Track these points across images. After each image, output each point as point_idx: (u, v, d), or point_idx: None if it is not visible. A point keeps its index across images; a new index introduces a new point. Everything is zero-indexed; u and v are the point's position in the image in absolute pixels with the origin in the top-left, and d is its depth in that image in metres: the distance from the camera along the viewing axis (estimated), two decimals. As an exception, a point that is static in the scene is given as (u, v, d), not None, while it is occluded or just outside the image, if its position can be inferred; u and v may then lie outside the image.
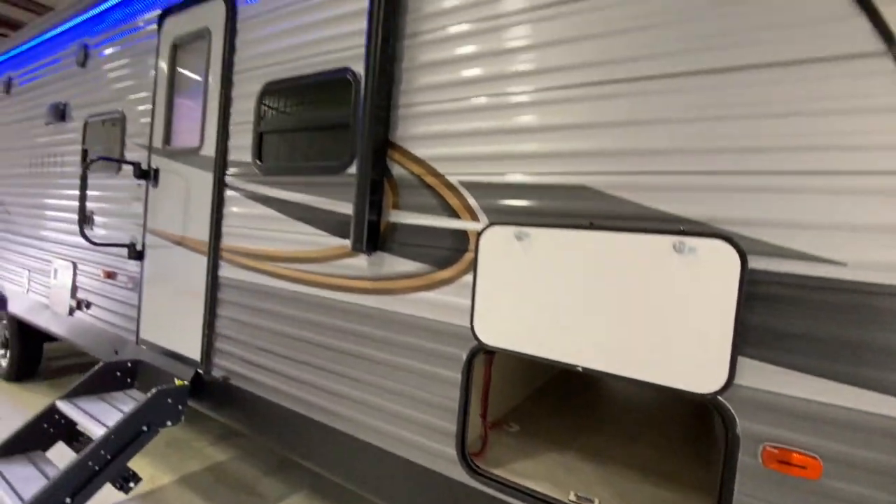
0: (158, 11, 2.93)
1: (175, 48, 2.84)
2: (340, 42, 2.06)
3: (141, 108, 3.10)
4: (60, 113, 3.80)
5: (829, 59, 1.16)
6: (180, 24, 2.81)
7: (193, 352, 2.62)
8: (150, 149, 2.96)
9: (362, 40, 1.97)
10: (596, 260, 1.40)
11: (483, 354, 1.75)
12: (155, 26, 2.97)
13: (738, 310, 1.20)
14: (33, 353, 4.63)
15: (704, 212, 1.29)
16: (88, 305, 3.46)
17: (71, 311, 3.60)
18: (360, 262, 1.97)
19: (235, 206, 2.48)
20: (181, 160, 2.75)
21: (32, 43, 4.35)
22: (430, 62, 1.82)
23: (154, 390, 2.40)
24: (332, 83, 2.10)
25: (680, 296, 1.27)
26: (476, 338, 1.62)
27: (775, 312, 1.21)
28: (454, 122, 1.75)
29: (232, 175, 2.49)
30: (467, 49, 1.73)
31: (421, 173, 1.82)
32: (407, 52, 1.88)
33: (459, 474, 1.68)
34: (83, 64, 3.64)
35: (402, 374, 1.85)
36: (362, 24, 1.98)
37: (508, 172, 1.62)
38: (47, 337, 4.69)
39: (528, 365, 2.55)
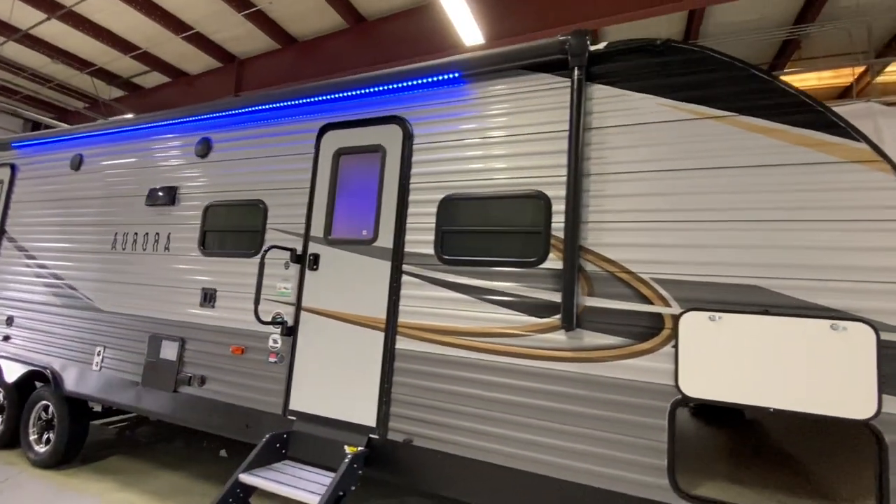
0: (321, 124, 3.50)
1: (338, 156, 3.40)
2: (534, 172, 2.77)
3: (288, 200, 3.54)
4: (169, 196, 4.08)
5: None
6: (346, 138, 3.39)
7: (366, 418, 2.95)
8: (306, 237, 3.39)
9: (551, 172, 2.71)
10: (774, 333, 2.14)
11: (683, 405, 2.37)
12: (313, 134, 3.52)
13: (879, 364, 1.98)
14: (82, 433, 4.43)
15: (849, 304, 2.10)
16: (203, 381, 3.60)
17: (175, 388, 3.69)
18: (559, 336, 2.57)
19: (414, 290, 2.98)
20: (350, 249, 3.22)
21: (116, 130, 4.62)
22: (615, 193, 2.58)
23: (348, 458, 2.70)
24: (522, 199, 2.78)
25: (838, 357, 2.04)
26: (680, 392, 2.26)
27: (897, 366, 2.00)
28: (638, 237, 2.49)
29: (411, 263, 3.01)
30: (642, 187, 2.52)
31: (613, 270, 2.51)
32: (594, 184, 2.63)
33: (673, 499, 2.24)
34: (204, 155, 4.02)
35: (606, 424, 2.41)
36: (553, 160, 2.72)
37: (691, 274, 2.36)
38: (95, 415, 4.56)
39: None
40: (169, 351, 3.80)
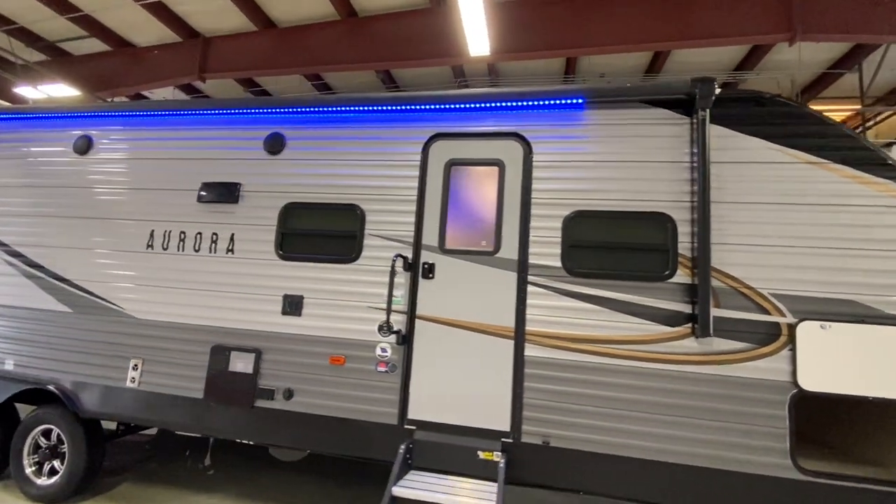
0: (430, 133, 3.50)
1: (450, 166, 3.44)
2: (657, 195, 3.11)
3: (389, 206, 3.48)
4: (231, 193, 3.73)
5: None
6: (459, 149, 3.44)
7: (499, 423, 3.06)
8: (418, 246, 3.38)
9: (675, 196, 3.08)
10: (872, 338, 2.72)
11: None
12: (420, 142, 3.50)
13: (946, 361, 2.64)
14: (99, 459, 3.86)
15: (921, 316, 2.75)
16: (290, 394, 3.40)
17: (253, 403, 3.43)
18: (690, 342, 2.94)
19: (542, 300, 3.16)
20: (468, 259, 3.29)
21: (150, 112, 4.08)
22: (732, 220, 3.02)
23: (502, 464, 2.81)
24: (646, 219, 3.11)
25: (918, 356, 2.67)
26: (798, 386, 2.76)
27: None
28: (755, 258, 2.95)
29: (536, 275, 3.18)
30: (754, 216, 2.99)
31: (735, 286, 2.95)
32: (714, 210, 3.04)
33: (794, 475, 2.72)
34: (275, 152, 3.75)
35: (734, 416, 2.83)
36: (676, 186, 3.09)
37: (801, 290, 2.88)
38: (110, 437, 4.04)
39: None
40: (242, 363, 3.50)
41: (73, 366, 3.80)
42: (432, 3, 7.75)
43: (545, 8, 7.46)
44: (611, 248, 3.15)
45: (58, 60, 9.30)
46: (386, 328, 3.27)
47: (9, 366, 3.96)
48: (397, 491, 2.70)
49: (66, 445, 3.77)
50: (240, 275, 3.64)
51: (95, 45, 9.19)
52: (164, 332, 3.69)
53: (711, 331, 2.90)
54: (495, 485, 2.75)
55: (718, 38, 7.14)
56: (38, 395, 3.89)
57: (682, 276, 3.02)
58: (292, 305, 3.50)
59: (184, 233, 3.81)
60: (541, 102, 3.33)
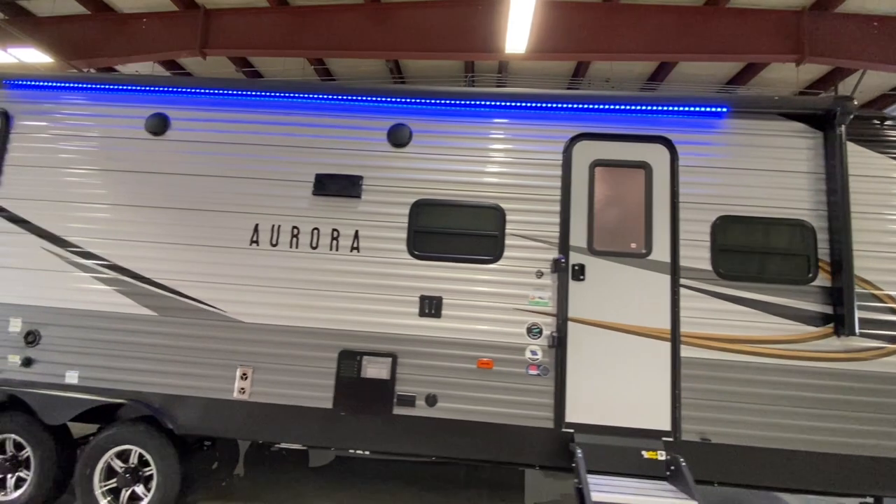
0: (572, 133, 3.45)
1: (594, 167, 3.42)
2: (796, 203, 3.30)
3: (530, 206, 3.40)
4: (353, 187, 3.46)
5: None
6: (604, 150, 3.43)
7: (659, 423, 3.12)
8: (565, 247, 3.33)
9: (812, 205, 3.29)
10: None
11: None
12: (561, 142, 3.45)
13: None
14: (191, 481, 3.45)
15: None
16: (434, 400, 3.23)
17: (391, 412, 3.22)
18: (833, 340, 3.17)
19: (694, 302, 3.25)
20: (619, 261, 3.30)
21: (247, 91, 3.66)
22: (862, 228, 3.27)
23: (683, 463, 2.87)
24: (787, 226, 3.29)
25: None
26: (931, 378, 3.08)
27: None
28: (887, 264, 3.23)
29: (687, 277, 3.27)
30: (884, 226, 3.28)
31: (870, 289, 3.22)
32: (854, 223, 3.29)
33: (930, 457, 3.04)
34: (402, 145, 3.53)
35: (874, 406, 3.10)
36: (813, 195, 3.30)
37: (924, 292, 3.20)
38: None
39: None
40: (376, 369, 3.27)
41: (162, 377, 3.35)
42: (465, -5, 7.61)
43: (578, 11, 7.60)
44: (756, 252, 3.31)
45: (19, 20, 8.01)
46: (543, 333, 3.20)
47: (72, 379, 3.40)
48: (598, 497, 2.67)
49: (152, 468, 3.32)
50: (368, 274, 3.39)
51: (67, 7, 8.03)
52: (280, 336, 3.35)
53: (857, 330, 3.14)
54: (689, 485, 2.80)
55: (732, 53, 7.66)
56: (97, 412, 3.39)
57: (822, 280, 3.24)
58: (431, 307, 3.32)
59: (297, 228, 3.47)
60: (687, 109, 3.41)
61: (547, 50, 7.67)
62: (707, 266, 3.29)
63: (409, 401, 3.23)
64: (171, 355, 3.37)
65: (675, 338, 3.22)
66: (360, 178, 3.50)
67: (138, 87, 3.71)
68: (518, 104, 3.51)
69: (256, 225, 3.49)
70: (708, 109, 3.40)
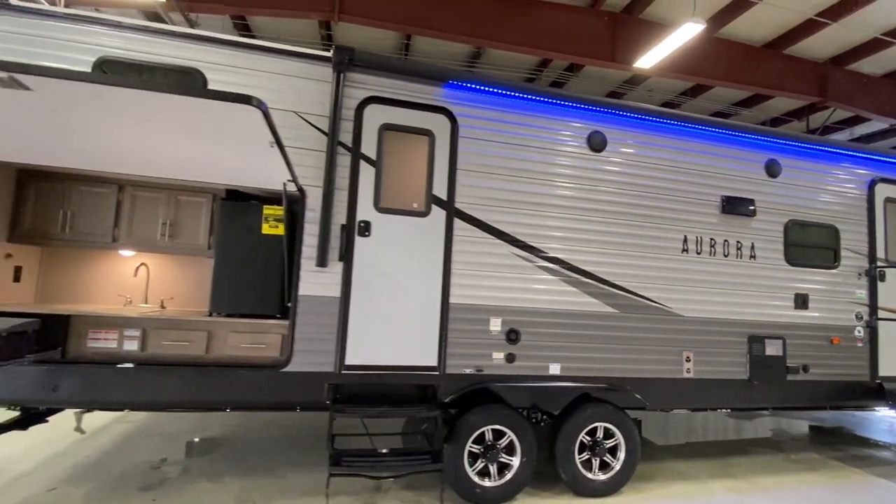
0: (873, 176, 4.83)
1: (885, 202, 4.88)
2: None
3: (851, 227, 4.75)
4: (749, 208, 4.40)
5: None
6: (892, 191, 4.90)
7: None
8: (873, 257, 4.76)
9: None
10: None
11: None
12: (863, 180, 4.83)
13: None
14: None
15: None
16: (806, 369, 4.49)
17: (784, 378, 4.40)
18: None
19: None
20: (903, 269, 4.88)
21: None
22: None
23: None
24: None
25: None
26: None
27: None
28: None
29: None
30: None
31: None
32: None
33: None
34: (775, 175, 4.54)
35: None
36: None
37: None
38: None
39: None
40: (773, 348, 4.38)
41: (630, 364, 3.98)
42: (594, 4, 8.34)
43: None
44: (958, 262, 5.16)
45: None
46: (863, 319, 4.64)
47: (555, 370, 3.83)
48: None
49: (618, 437, 3.96)
50: (760, 277, 4.42)
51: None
52: (709, 326, 4.22)
53: None
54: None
55: (762, 87, 9.77)
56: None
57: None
58: (801, 302, 4.52)
59: (713, 239, 4.31)
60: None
61: (683, 72, 8.88)
62: (939, 271, 5.05)
63: (794, 371, 4.43)
64: (634, 345, 4.01)
65: None
66: (752, 200, 4.45)
67: (579, 105, 4.04)
68: (829, 150, 4.79)
69: (685, 236, 4.23)
70: None
